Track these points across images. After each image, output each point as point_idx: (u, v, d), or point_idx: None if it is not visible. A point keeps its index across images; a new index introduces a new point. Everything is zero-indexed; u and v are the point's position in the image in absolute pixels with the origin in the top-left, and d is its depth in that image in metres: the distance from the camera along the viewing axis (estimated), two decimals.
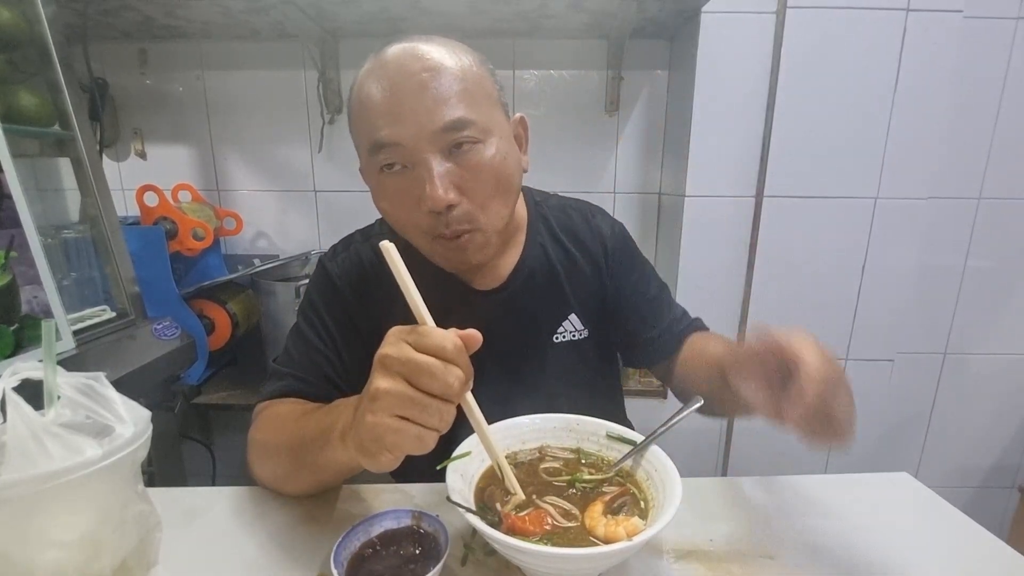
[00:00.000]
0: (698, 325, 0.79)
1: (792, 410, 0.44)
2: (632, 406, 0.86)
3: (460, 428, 0.53)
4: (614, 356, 0.83)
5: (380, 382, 0.41)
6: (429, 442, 0.41)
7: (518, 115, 0.66)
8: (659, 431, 0.55)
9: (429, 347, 0.41)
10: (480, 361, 0.74)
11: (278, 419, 0.61)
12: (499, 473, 0.50)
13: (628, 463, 0.54)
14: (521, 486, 0.51)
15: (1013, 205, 1.45)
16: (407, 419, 0.41)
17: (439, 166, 0.55)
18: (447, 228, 0.58)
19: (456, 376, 0.41)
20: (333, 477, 0.57)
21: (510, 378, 0.72)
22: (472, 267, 0.64)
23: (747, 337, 0.52)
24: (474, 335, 0.43)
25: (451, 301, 0.70)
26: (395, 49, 0.57)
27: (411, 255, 0.70)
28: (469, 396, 0.44)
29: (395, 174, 0.58)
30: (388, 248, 0.42)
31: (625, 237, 0.79)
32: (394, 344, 0.42)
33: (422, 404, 0.40)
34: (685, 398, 0.74)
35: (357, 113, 0.59)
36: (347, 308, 0.70)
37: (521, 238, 0.73)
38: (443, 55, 0.56)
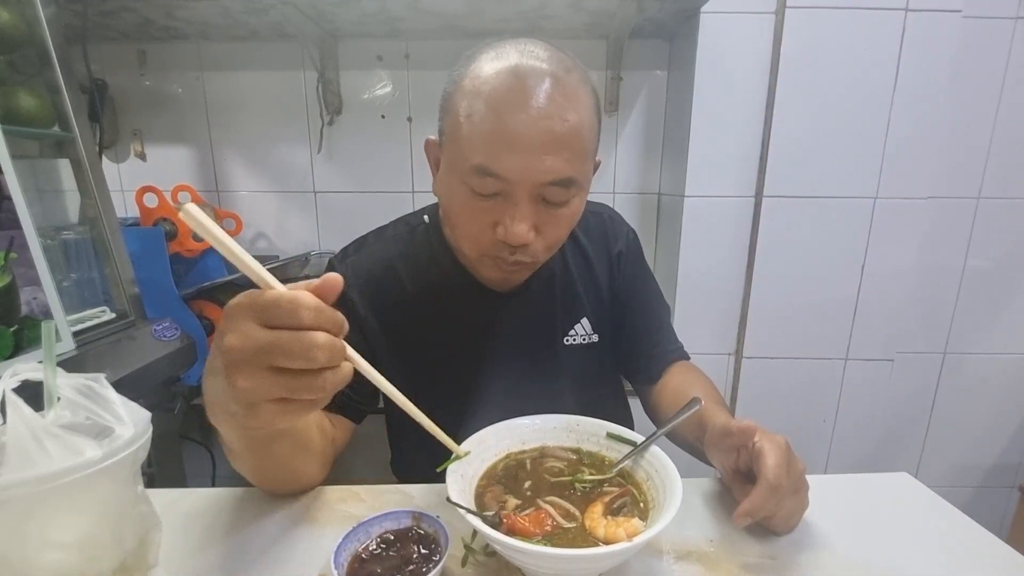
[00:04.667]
0: (681, 355, 0.80)
1: (741, 501, 0.50)
2: (632, 405, 0.86)
3: (461, 427, 0.53)
4: (623, 366, 0.83)
5: (239, 381, 0.35)
6: (322, 402, 0.38)
7: (598, 159, 0.64)
8: (660, 432, 0.55)
9: (282, 322, 0.35)
10: (491, 358, 0.74)
11: None
12: (430, 431, 0.46)
13: (628, 463, 0.54)
14: (521, 486, 0.51)
15: (1013, 205, 1.45)
16: (287, 398, 0.36)
17: (529, 206, 0.56)
18: (511, 255, 0.59)
19: (319, 346, 0.35)
20: (260, 458, 0.53)
21: (519, 376, 0.72)
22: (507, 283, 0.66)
23: (731, 424, 0.55)
24: (332, 279, 0.37)
25: (471, 303, 0.71)
26: (533, 72, 0.53)
27: (439, 254, 0.72)
28: (352, 352, 0.38)
29: (484, 196, 0.57)
30: (190, 211, 0.34)
31: (638, 245, 0.80)
32: (238, 330, 0.35)
33: (292, 386, 0.36)
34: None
35: (474, 116, 0.54)
36: (353, 311, 0.70)
37: None
38: (580, 100, 0.55)
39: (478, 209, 0.58)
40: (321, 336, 0.35)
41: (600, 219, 0.78)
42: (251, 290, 0.37)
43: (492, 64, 0.55)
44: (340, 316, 0.37)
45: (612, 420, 0.59)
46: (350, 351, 0.38)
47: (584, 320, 0.75)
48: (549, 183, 0.55)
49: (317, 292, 0.37)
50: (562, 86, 0.54)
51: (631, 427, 0.77)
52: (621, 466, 0.53)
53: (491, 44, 0.58)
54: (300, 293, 0.36)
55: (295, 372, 0.35)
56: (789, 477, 0.50)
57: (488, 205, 0.57)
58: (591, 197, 0.88)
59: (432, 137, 0.65)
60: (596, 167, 0.64)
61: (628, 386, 0.85)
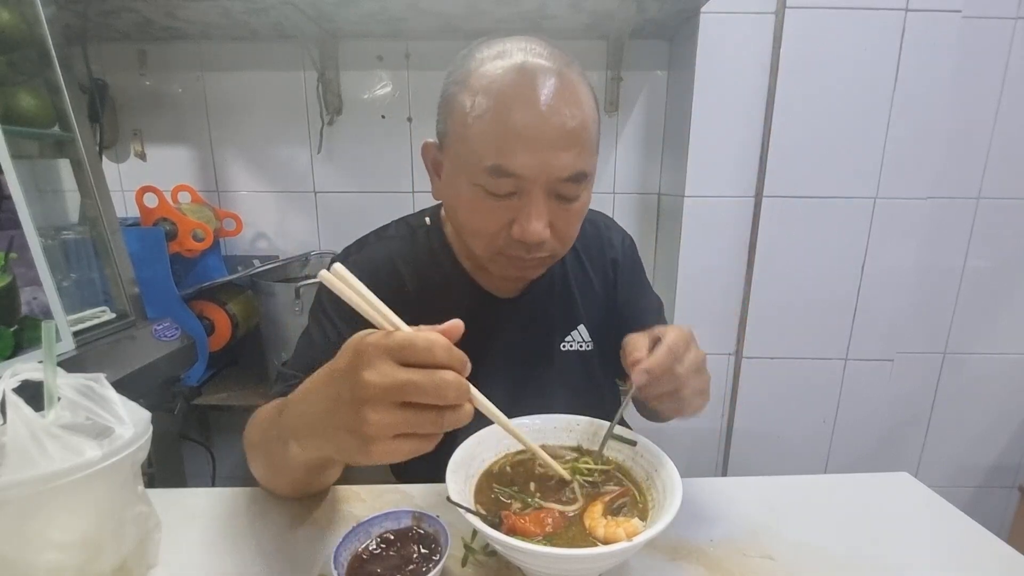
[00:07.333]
0: None
1: (638, 365, 0.50)
2: (630, 408, 0.86)
3: (458, 427, 0.53)
4: (618, 374, 0.83)
5: (371, 415, 0.36)
6: (436, 440, 0.40)
7: None
8: (624, 404, 0.56)
9: (417, 360, 0.37)
10: (488, 363, 0.73)
11: (259, 417, 0.61)
12: (536, 457, 0.51)
13: (626, 461, 0.54)
14: (520, 486, 0.51)
15: (1013, 205, 1.45)
16: (407, 434, 0.38)
17: (544, 203, 0.56)
18: (528, 254, 0.59)
19: (450, 384, 0.37)
20: (307, 475, 0.55)
21: (515, 382, 0.72)
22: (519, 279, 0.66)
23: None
24: (455, 326, 0.39)
25: (471, 307, 0.70)
26: (540, 70, 0.54)
27: (440, 256, 0.72)
28: (475, 392, 0.41)
29: (498, 196, 0.56)
30: (335, 273, 0.39)
31: (634, 251, 0.80)
32: (375, 367, 0.37)
33: (418, 422, 0.37)
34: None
35: (484, 116, 0.54)
36: (354, 309, 0.70)
37: None
38: (584, 95, 0.57)
39: (491, 209, 0.57)
40: (451, 375, 0.37)
41: (596, 227, 0.79)
42: (377, 330, 0.39)
43: (496, 63, 0.55)
44: (465, 356, 0.39)
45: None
46: (473, 391, 0.41)
47: (581, 327, 0.75)
48: (564, 179, 0.55)
49: (444, 334, 0.39)
50: (567, 82, 0.55)
51: None
52: (609, 456, 0.55)
53: (488, 42, 0.58)
54: (432, 334, 0.38)
55: (421, 408, 0.37)
56: (690, 350, 0.51)
57: (502, 204, 0.56)
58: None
59: (430, 140, 0.64)
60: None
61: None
